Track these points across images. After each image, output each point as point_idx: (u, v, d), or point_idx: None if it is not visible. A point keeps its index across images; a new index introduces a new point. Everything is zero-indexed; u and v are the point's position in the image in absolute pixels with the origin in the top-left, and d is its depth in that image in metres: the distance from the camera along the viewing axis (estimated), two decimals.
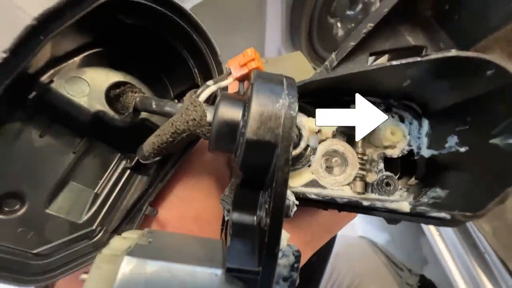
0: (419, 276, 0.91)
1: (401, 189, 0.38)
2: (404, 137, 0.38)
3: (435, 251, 0.80)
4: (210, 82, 0.28)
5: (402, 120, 0.39)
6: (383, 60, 0.40)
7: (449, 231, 0.77)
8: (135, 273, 0.20)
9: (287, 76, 0.26)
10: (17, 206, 0.31)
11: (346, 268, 0.88)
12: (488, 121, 0.27)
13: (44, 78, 0.29)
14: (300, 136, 0.33)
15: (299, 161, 0.36)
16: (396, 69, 0.29)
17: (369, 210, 0.28)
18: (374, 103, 0.38)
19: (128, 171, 0.39)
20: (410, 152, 0.38)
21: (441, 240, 0.79)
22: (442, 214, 0.24)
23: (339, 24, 1.37)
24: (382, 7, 0.29)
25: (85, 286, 0.20)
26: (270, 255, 0.19)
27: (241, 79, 0.30)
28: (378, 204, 0.27)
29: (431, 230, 0.81)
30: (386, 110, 0.38)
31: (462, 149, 0.30)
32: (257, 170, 0.23)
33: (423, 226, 0.84)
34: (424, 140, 0.37)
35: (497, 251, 0.61)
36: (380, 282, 0.86)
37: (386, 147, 0.39)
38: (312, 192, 0.37)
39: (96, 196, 0.37)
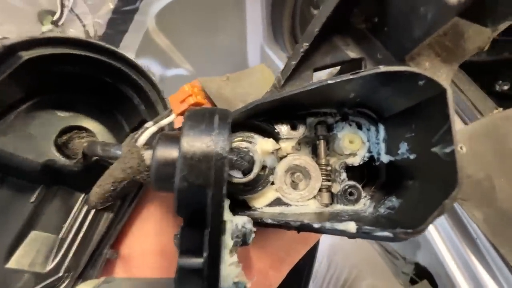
0: (413, 264, 0.92)
1: (365, 197, 0.38)
2: (364, 143, 0.38)
3: (428, 238, 0.81)
4: (149, 124, 0.27)
5: (359, 127, 0.39)
6: (333, 71, 0.40)
7: (441, 218, 0.78)
8: None
9: (221, 110, 0.26)
10: None
11: (342, 261, 0.89)
12: (428, 129, 0.27)
13: None
14: (252, 162, 0.33)
15: (258, 184, 0.36)
16: (335, 86, 0.29)
17: (323, 230, 0.28)
18: (329, 113, 0.38)
19: (93, 210, 0.39)
20: (372, 158, 0.38)
21: (433, 227, 0.80)
22: (385, 233, 0.24)
23: None
24: (313, 26, 0.29)
25: None
26: None
27: (183, 114, 0.30)
28: (328, 226, 0.27)
29: None
30: (343, 119, 0.38)
31: (412, 157, 0.30)
32: (194, 212, 0.22)
33: None
34: (382, 146, 0.37)
35: (489, 237, 0.62)
36: (376, 273, 0.87)
37: (347, 156, 0.39)
38: (275, 212, 0.37)
39: (62, 241, 0.37)
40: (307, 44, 0.29)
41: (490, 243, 0.65)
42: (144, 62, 1.05)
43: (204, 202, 0.22)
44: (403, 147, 0.32)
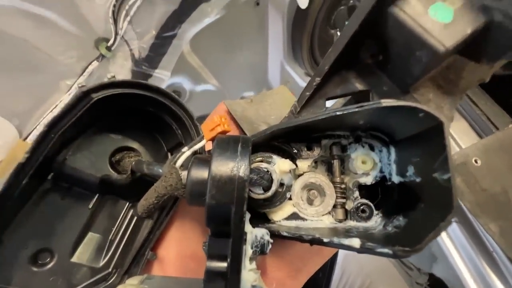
0: (428, 275, 0.89)
1: (377, 214, 0.41)
2: (376, 164, 0.41)
3: (443, 250, 0.81)
4: (185, 149, 0.33)
5: (372, 148, 0.41)
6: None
7: (457, 230, 0.78)
8: None
9: (243, 138, 0.31)
10: (48, 259, 0.39)
11: (356, 269, 0.89)
12: (430, 155, 0.30)
13: (59, 157, 0.37)
14: (271, 180, 0.38)
15: (275, 199, 0.40)
16: (343, 116, 0.32)
17: (331, 245, 0.31)
18: (343, 136, 0.42)
19: (135, 218, 0.45)
20: (384, 178, 0.41)
21: (449, 240, 0.80)
22: (386, 250, 0.26)
23: (338, 33, 1.40)
24: (324, 64, 0.33)
25: None
26: None
27: (213, 140, 0.35)
28: (336, 241, 0.30)
29: None
30: (356, 141, 0.42)
31: (418, 180, 0.33)
32: (221, 225, 0.27)
33: None
34: (394, 167, 0.40)
35: (505, 251, 0.61)
36: (390, 282, 0.86)
37: (361, 175, 0.42)
38: (292, 226, 0.41)
39: (111, 242, 0.44)
40: (319, 79, 0.34)
41: (507, 256, 0.65)
42: (177, 80, 1.19)
43: (228, 216, 0.27)
44: (410, 170, 0.35)
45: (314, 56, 1.39)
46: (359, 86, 0.35)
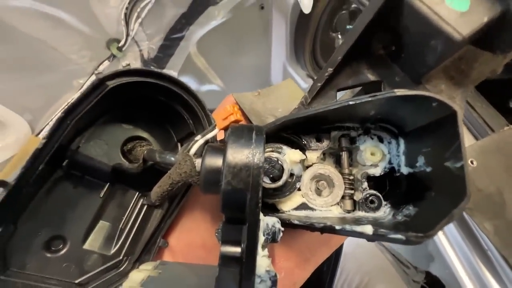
0: (424, 273, 0.91)
1: (385, 205, 0.41)
2: (385, 155, 0.41)
3: (439, 249, 0.83)
4: (198, 137, 0.34)
5: (381, 140, 0.42)
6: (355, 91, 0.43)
7: (452, 229, 0.80)
8: None
9: (257, 127, 0.31)
10: (61, 246, 0.39)
11: (354, 268, 0.90)
12: (442, 145, 0.30)
13: (73, 145, 0.37)
14: (282, 170, 0.38)
15: (285, 189, 0.40)
16: (355, 106, 0.33)
17: (343, 232, 0.32)
18: (352, 127, 0.42)
19: (146, 207, 0.46)
20: (393, 169, 0.41)
21: (445, 238, 0.82)
22: (398, 236, 0.27)
23: (339, 36, 1.44)
24: (336, 54, 0.33)
25: None
26: (247, 283, 0.24)
27: (225, 129, 0.36)
28: (348, 228, 0.31)
29: None
30: (365, 132, 0.42)
31: (428, 169, 0.33)
32: (235, 211, 0.28)
33: None
34: (402, 158, 0.40)
35: (499, 249, 0.62)
36: (388, 280, 0.88)
37: (369, 167, 0.42)
38: (301, 215, 0.41)
39: (121, 230, 0.44)
40: (331, 69, 0.34)
41: (501, 254, 0.66)
42: (184, 79, 1.21)
43: (243, 202, 0.27)
44: (421, 160, 0.35)
45: (316, 59, 1.44)
46: (371, 77, 0.35)
